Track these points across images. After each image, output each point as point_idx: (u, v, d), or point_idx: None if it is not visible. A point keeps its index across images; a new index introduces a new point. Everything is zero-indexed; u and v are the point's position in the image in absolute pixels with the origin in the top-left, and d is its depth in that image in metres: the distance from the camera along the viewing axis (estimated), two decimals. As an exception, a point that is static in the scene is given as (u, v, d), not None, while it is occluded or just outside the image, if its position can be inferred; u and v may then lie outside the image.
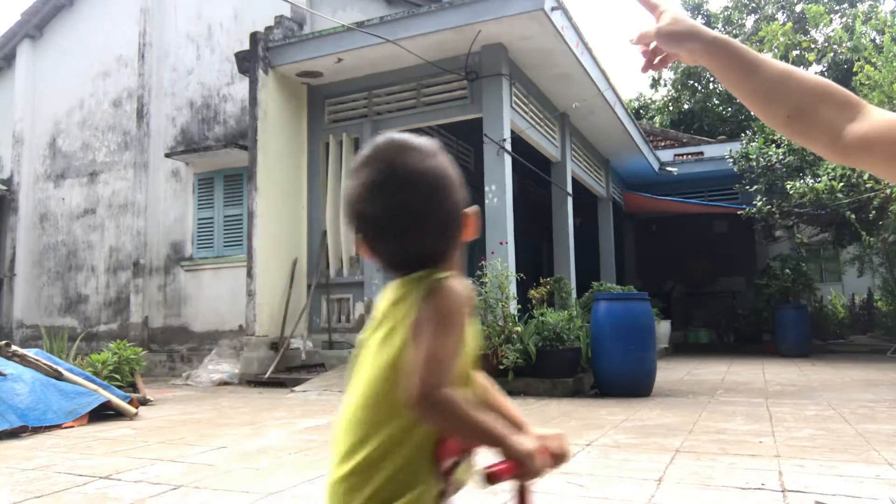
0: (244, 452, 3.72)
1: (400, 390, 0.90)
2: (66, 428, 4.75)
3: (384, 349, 0.96)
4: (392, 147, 1.00)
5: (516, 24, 7.43)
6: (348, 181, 1.03)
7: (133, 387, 6.43)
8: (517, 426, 1.03)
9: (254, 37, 8.64)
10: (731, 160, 11.94)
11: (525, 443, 0.91)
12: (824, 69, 13.15)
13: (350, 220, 1.02)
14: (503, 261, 7.19)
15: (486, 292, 6.59)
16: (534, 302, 7.54)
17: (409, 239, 0.98)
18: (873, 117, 0.90)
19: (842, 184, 9.47)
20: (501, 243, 7.60)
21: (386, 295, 1.02)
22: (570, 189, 10.48)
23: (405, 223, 0.97)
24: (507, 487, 0.94)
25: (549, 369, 6.19)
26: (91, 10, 11.47)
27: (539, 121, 9.42)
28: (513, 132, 8.21)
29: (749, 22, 15.17)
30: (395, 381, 0.92)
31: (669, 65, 1.11)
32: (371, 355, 0.98)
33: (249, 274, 8.33)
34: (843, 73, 12.30)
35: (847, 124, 0.90)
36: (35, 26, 11.73)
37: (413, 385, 0.88)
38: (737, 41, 1.02)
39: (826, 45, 12.61)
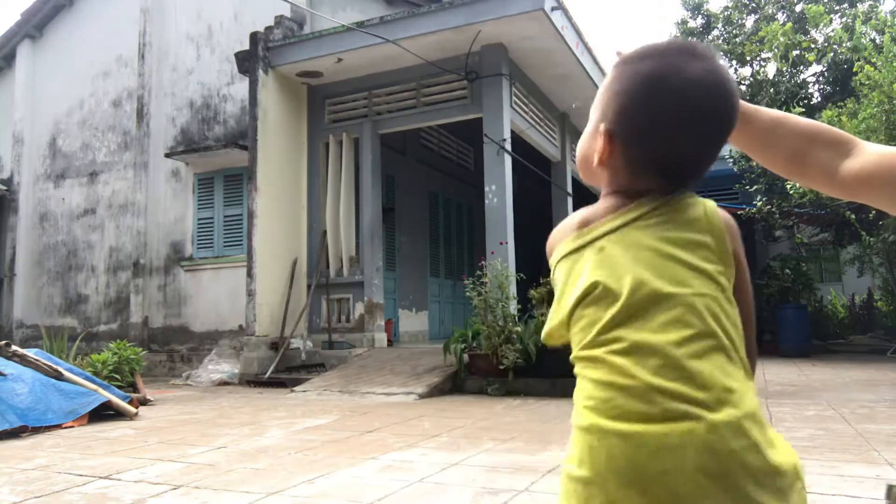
0: (244, 452, 3.72)
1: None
2: (66, 428, 4.75)
3: (716, 274, 0.85)
4: (708, 47, 0.90)
5: (516, 24, 7.43)
6: (663, 78, 0.86)
7: (133, 387, 6.43)
8: None
9: (254, 37, 8.64)
10: (731, 160, 11.91)
11: None
12: (824, 69, 13.13)
13: (678, 113, 0.85)
14: (503, 261, 7.19)
15: (486, 292, 6.58)
16: (534, 302, 7.53)
17: (716, 146, 0.88)
18: (866, 153, 0.94)
19: (842, 184, 9.43)
20: (501, 243, 7.60)
21: (680, 208, 0.87)
22: (570, 189, 10.48)
23: (727, 128, 0.89)
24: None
25: (549, 369, 6.19)
26: (91, 10, 11.48)
27: (539, 121, 9.42)
28: (513, 132, 8.21)
29: (749, 22, 15.17)
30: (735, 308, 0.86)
31: None
32: (700, 273, 0.84)
33: (249, 274, 8.33)
34: (843, 73, 12.27)
35: (841, 162, 0.95)
36: (35, 26, 11.74)
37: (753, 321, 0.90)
38: None
39: (826, 45, 12.58)
